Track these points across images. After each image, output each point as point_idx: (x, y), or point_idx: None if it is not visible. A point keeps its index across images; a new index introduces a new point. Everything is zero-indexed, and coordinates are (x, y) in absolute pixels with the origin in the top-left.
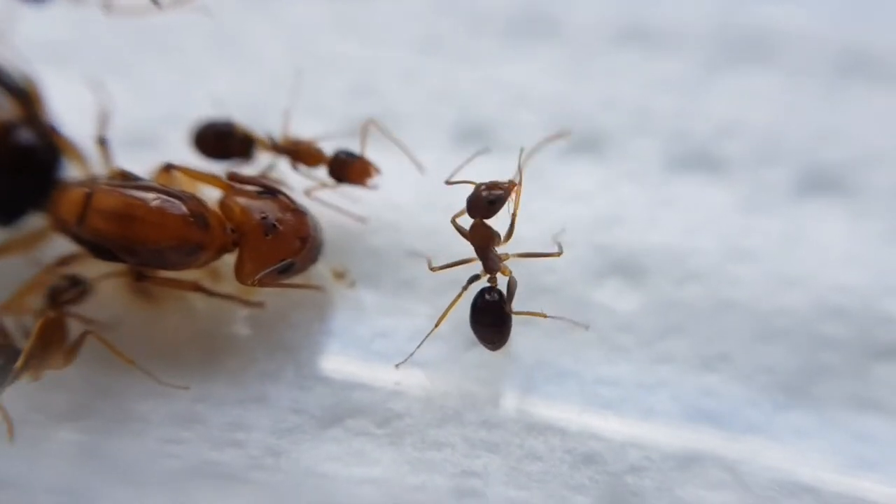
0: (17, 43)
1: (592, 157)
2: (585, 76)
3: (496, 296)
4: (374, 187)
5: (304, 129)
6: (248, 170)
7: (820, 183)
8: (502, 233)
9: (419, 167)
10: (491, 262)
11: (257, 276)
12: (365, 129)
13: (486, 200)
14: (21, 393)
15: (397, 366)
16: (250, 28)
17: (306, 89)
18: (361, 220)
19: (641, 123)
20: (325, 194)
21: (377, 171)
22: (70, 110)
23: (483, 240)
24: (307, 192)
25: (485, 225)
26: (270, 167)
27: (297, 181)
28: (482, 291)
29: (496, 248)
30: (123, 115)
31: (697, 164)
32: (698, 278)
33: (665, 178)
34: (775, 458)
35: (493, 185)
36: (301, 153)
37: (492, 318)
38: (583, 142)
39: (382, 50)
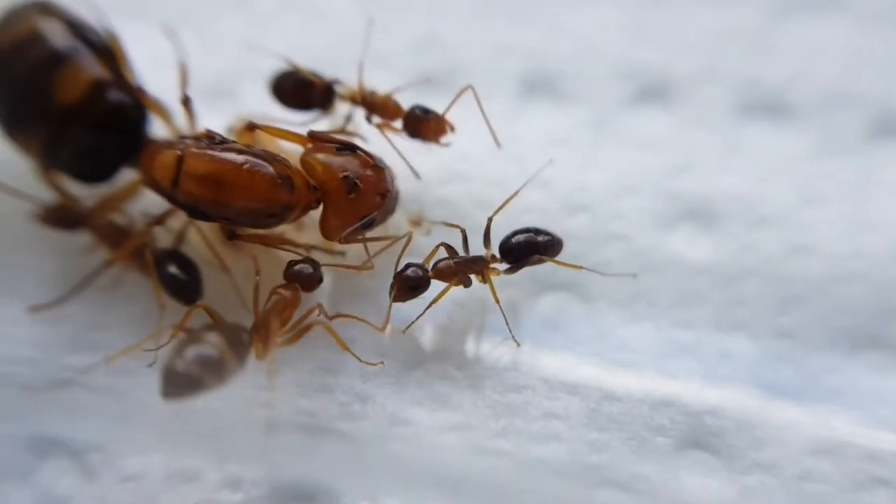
0: None
1: (661, 104)
2: (652, 25)
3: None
4: (447, 144)
5: (371, 81)
6: (322, 124)
7: (892, 127)
8: None
9: (497, 142)
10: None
11: (343, 235)
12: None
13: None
14: None
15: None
16: None
17: (373, 41)
18: (416, 174)
19: (710, 71)
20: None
21: (452, 128)
22: (145, 63)
23: None
24: (378, 125)
25: None
26: (348, 118)
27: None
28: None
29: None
30: (197, 67)
31: (767, 111)
32: (771, 223)
33: (735, 124)
34: (851, 399)
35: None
36: (379, 106)
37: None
38: (651, 90)
39: (447, 2)
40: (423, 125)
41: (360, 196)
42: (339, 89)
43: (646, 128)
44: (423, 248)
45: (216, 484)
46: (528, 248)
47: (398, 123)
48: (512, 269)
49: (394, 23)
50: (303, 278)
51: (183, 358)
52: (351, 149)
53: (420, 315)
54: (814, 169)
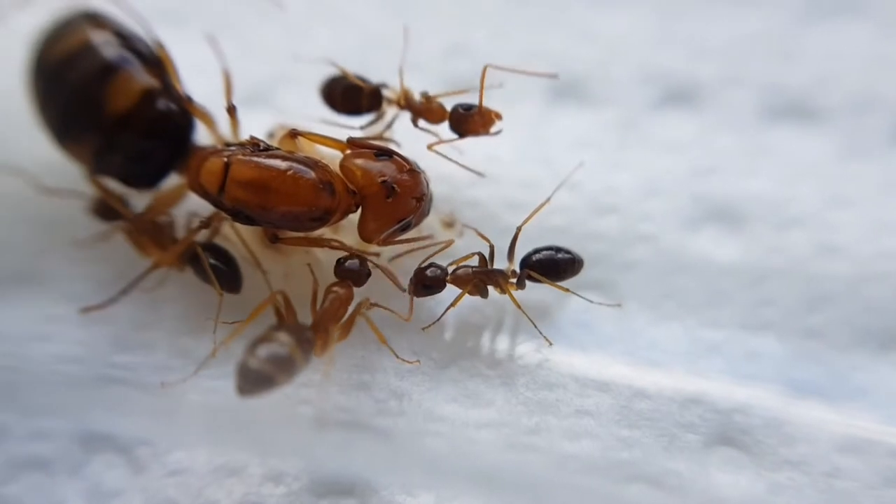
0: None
1: (687, 108)
2: (676, 29)
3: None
4: (498, 132)
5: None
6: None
7: None
8: None
9: (549, 72)
10: None
11: (381, 238)
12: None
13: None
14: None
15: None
16: None
17: (403, 47)
18: (479, 174)
19: (735, 74)
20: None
21: (499, 116)
22: (186, 70)
23: None
24: (429, 146)
25: None
26: (392, 122)
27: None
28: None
29: None
30: (236, 73)
31: (793, 114)
32: (798, 224)
33: (761, 127)
34: (878, 398)
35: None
36: (424, 109)
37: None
38: (676, 93)
39: (475, 8)
40: (470, 121)
41: (397, 200)
42: (386, 93)
43: (672, 131)
44: (455, 251)
45: (259, 477)
46: (549, 267)
47: (444, 125)
48: (519, 285)
49: (424, 29)
50: (353, 274)
51: (256, 356)
52: (388, 154)
53: (439, 317)
54: (839, 171)
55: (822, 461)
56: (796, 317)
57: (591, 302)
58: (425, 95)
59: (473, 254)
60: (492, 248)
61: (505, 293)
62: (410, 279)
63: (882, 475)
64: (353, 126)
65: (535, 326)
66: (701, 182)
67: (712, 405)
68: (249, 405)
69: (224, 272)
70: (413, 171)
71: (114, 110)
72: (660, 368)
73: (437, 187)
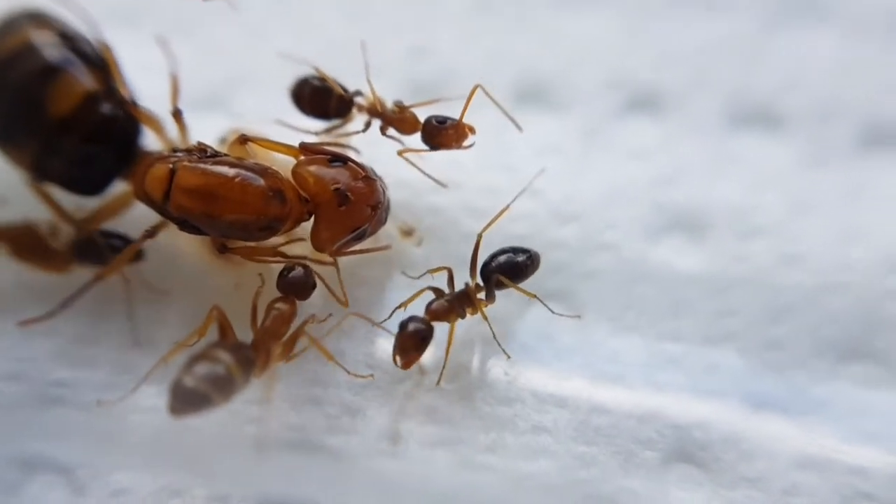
0: (85, 6)
1: (651, 114)
2: (641, 35)
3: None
4: (470, 146)
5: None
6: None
7: (881, 137)
8: None
9: (517, 126)
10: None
11: (334, 248)
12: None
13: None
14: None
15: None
16: None
17: (367, 50)
18: (442, 185)
19: (699, 81)
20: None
21: (473, 130)
22: (138, 70)
23: None
24: (399, 153)
25: None
26: (366, 128)
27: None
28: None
29: None
30: (191, 75)
31: (757, 121)
32: (762, 233)
33: (725, 135)
34: (837, 412)
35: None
36: (398, 120)
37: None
38: (641, 99)
39: (439, 11)
40: (444, 134)
41: (351, 208)
42: (360, 101)
43: (636, 137)
44: (414, 260)
45: (204, 499)
46: (509, 270)
47: (416, 136)
48: (489, 299)
49: (387, 31)
50: (297, 287)
51: (192, 374)
52: (343, 160)
53: (444, 366)
54: (804, 179)
55: (781, 478)
56: (758, 328)
57: (553, 313)
58: (398, 104)
59: (422, 290)
60: (449, 271)
61: (477, 312)
62: (395, 345)
63: (839, 493)
64: (311, 130)
65: (498, 343)
66: (664, 190)
67: (671, 420)
68: (193, 424)
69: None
70: (368, 178)
71: (55, 113)
72: (619, 382)
73: (396, 193)
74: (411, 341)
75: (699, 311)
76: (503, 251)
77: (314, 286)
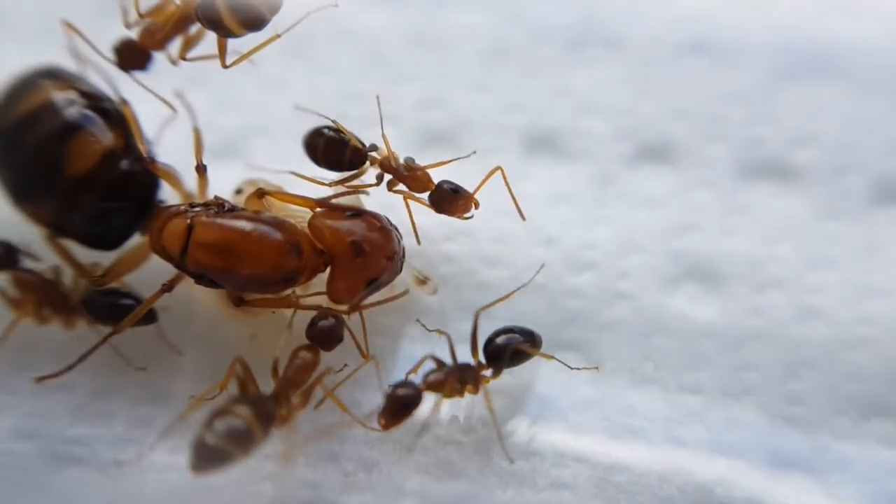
0: (104, 62)
1: (663, 164)
2: (652, 85)
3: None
4: (469, 218)
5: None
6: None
7: (894, 192)
8: None
9: (522, 215)
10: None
11: (351, 303)
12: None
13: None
14: None
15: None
16: (321, 40)
17: (378, 98)
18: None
19: (711, 131)
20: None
21: (477, 204)
22: (156, 121)
23: None
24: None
25: None
26: (379, 181)
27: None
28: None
29: None
30: (206, 125)
31: (770, 173)
32: (777, 285)
33: (738, 185)
34: (865, 469)
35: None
36: (410, 177)
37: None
38: (653, 149)
39: (451, 61)
40: (453, 202)
41: (367, 259)
42: (374, 155)
43: (649, 186)
44: (431, 307)
45: None
46: (511, 351)
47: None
48: (496, 374)
49: (399, 80)
50: (325, 337)
51: (213, 430)
52: (358, 212)
53: (420, 434)
54: (818, 232)
55: None
56: (777, 383)
57: (571, 368)
58: (409, 162)
59: (424, 358)
60: (450, 340)
61: (478, 391)
62: (382, 408)
63: None
64: (325, 181)
65: (500, 439)
66: (679, 239)
67: (692, 477)
68: (209, 483)
69: (132, 308)
70: (384, 229)
71: (74, 171)
72: (638, 436)
73: (409, 241)
74: (396, 406)
75: (717, 364)
76: (505, 329)
77: (341, 339)
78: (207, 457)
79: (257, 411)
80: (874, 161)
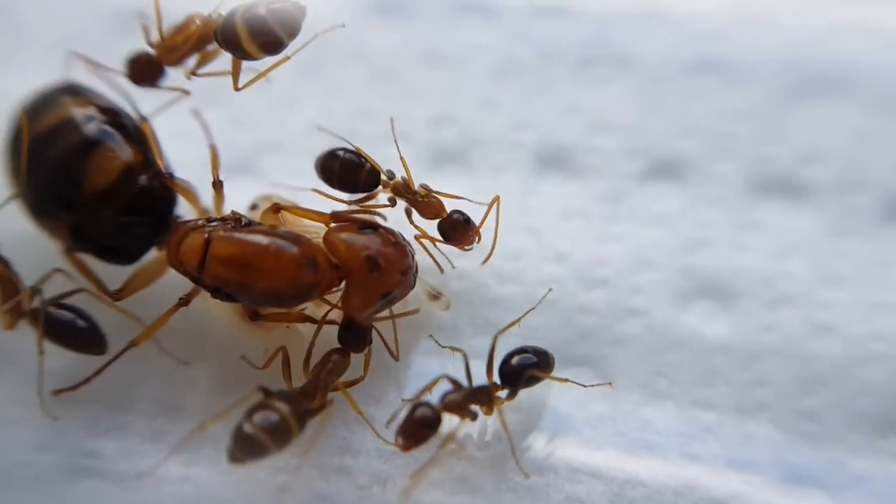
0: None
1: (674, 181)
2: (662, 103)
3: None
4: (470, 249)
5: (388, 156)
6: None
7: None
8: None
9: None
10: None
11: (366, 315)
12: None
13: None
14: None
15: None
16: (334, 59)
17: (389, 116)
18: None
19: (721, 149)
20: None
21: (480, 238)
22: (172, 137)
23: None
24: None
25: None
26: (392, 204)
27: None
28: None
29: None
30: (221, 143)
31: (781, 190)
32: (790, 302)
33: (749, 202)
34: (881, 486)
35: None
36: (423, 204)
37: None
38: (663, 166)
39: (462, 79)
40: (462, 233)
41: (381, 274)
42: (385, 179)
43: (660, 203)
44: (443, 323)
45: None
46: (526, 372)
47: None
48: (511, 396)
49: (410, 98)
50: (357, 340)
51: (252, 422)
52: (373, 227)
53: (423, 469)
54: (829, 248)
55: None
56: (791, 399)
57: (585, 386)
58: (424, 188)
59: (438, 378)
60: (465, 357)
61: (491, 413)
62: (400, 427)
63: None
64: (341, 198)
65: (515, 454)
66: (690, 256)
67: (707, 493)
68: (222, 495)
69: (82, 330)
70: (398, 244)
71: (94, 187)
72: (653, 451)
73: (422, 257)
74: (415, 427)
75: (731, 379)
76: (520, 350)
77: (370, 341)
78: (245, 447)
79: (294, 408)
80: (884, 178)
